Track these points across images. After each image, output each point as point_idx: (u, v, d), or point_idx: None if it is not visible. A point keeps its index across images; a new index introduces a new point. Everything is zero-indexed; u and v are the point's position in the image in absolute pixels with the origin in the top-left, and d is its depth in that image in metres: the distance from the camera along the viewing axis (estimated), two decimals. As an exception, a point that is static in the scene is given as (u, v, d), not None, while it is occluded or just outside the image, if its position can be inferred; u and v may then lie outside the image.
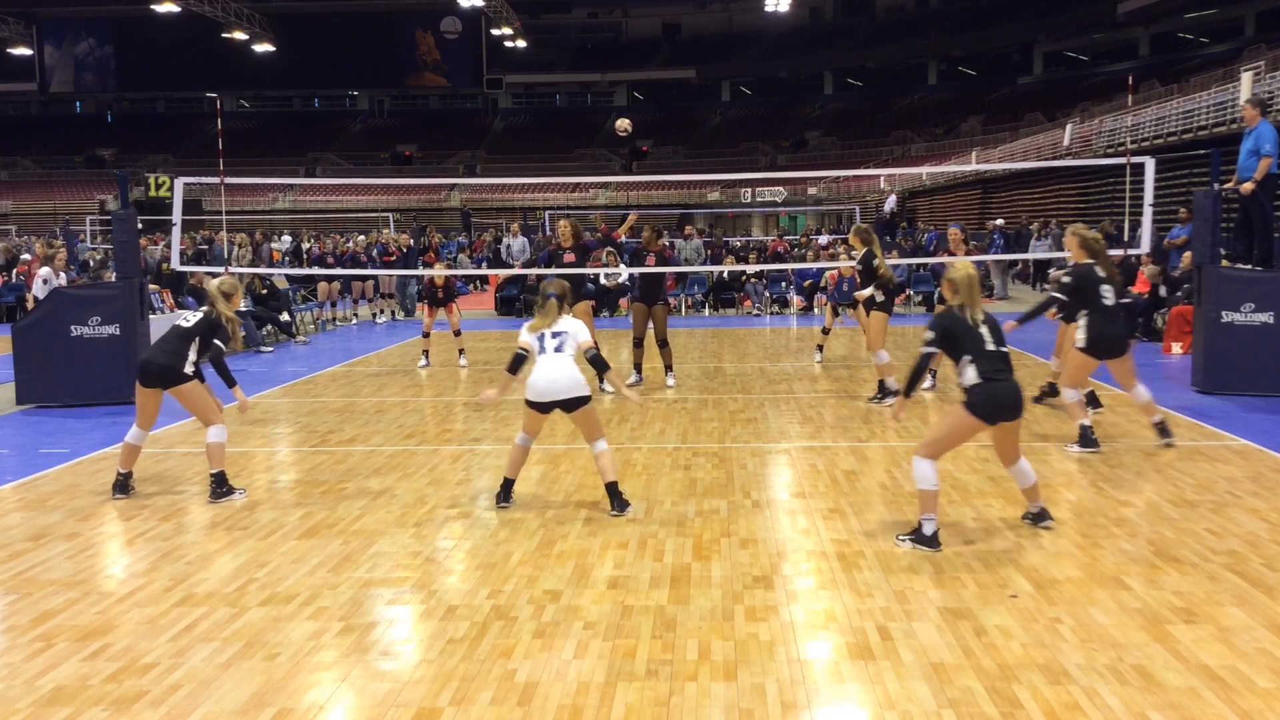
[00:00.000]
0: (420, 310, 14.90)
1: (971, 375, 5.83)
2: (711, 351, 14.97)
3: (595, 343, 6.83)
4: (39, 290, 14.04)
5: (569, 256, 11.44)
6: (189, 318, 7.31)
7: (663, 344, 11.43)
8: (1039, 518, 6.23)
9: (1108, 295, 7.98)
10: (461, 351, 13.69)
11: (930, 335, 5.99)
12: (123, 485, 7.24)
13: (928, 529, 5.83)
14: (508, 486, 6.84)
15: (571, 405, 6.54)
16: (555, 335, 6.59)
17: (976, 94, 59.29)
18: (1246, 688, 4.13)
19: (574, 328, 6.66)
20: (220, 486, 7.12)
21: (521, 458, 6.84)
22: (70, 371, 10.72)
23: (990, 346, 5.87)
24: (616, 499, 6.61)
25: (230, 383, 7.25)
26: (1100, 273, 8.02)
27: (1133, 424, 9.27)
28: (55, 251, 15.89)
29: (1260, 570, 5.45)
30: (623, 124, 11.74)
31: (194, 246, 26.51)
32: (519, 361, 6.64)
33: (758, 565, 5.63)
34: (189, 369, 7.09)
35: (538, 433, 6.84)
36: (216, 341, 7.19)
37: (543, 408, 6.59)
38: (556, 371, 6.49)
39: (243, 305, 15.97)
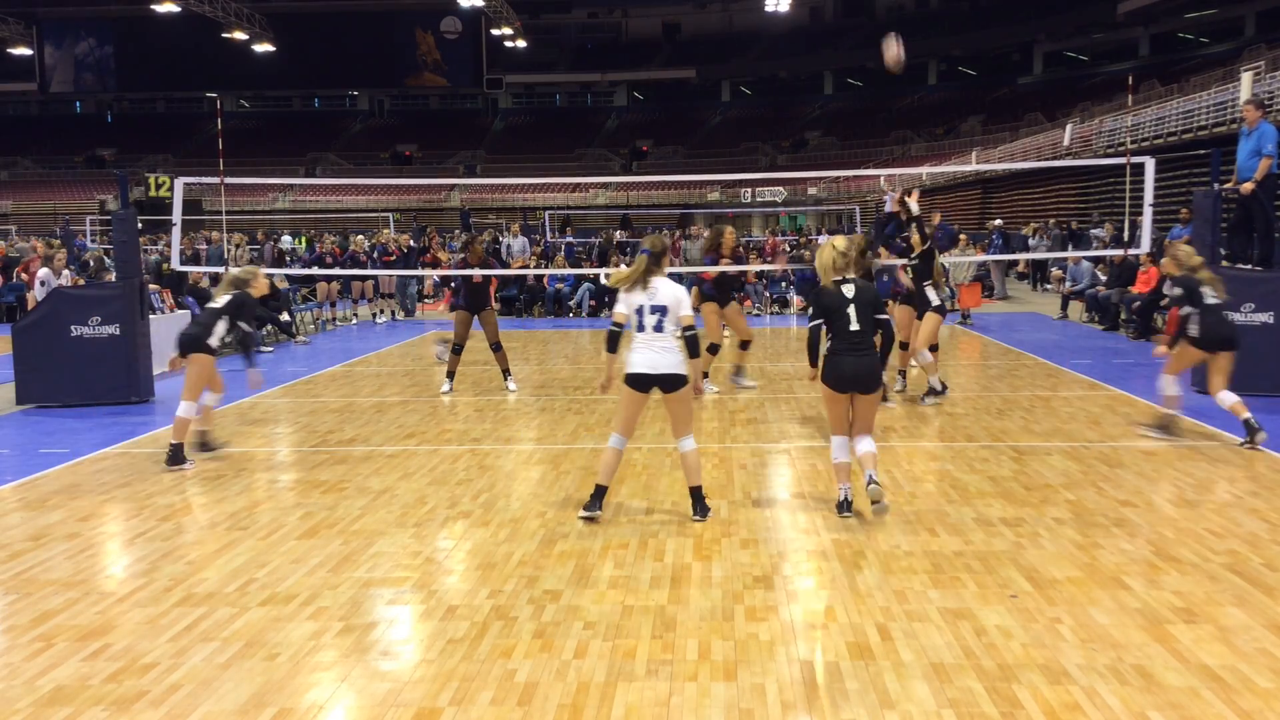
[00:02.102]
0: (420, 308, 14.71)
1: (828, 350, 6.47)
2: (711, 351, 14.94)
3: (694, 323, 6.45)
4: (39, 293, 14.05)
5: (725, 263, 11.50)
6: (221, 298, 8.29)
7: (496, 348, 11.43)
8: (877, 502, 6.42)
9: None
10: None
11: (811, 311, 6.62)
12: (175, 456, 8.03)
13: (839, 495, 6.51)
14: (599, 494, 6.50)
15: (671, 384, 6.31)
16: (655, 310, 6.29)
17: (976, 94, 59.29)
18: (1246, 688, 4.13)
19: (674, 299, 6.33)
20: (175, 456, 7.98)
21: (615, 461, 6.49)
22: (70, 371, 10.72)
23: (853, 326, 6.39)
24: (699, 503, 6.44)
25: (251, 363, 8.51)
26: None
27: (1133, 424, 9.26)
28: (55, 252, 15.90)
29: (1260, 570, 5.45)
30: (893, 53, 10.72)
31: (192, 247, 26.47)
32: (616, 339, 6.40)
33: (758, 565, 5.63)
34: (214, 342, 8.11)
35: (633, 426, 6.50)
36: (242, 325, 8.32)
37: (643, 383, 6.31)
38: (657, 346, 6.28)
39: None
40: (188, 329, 8.28)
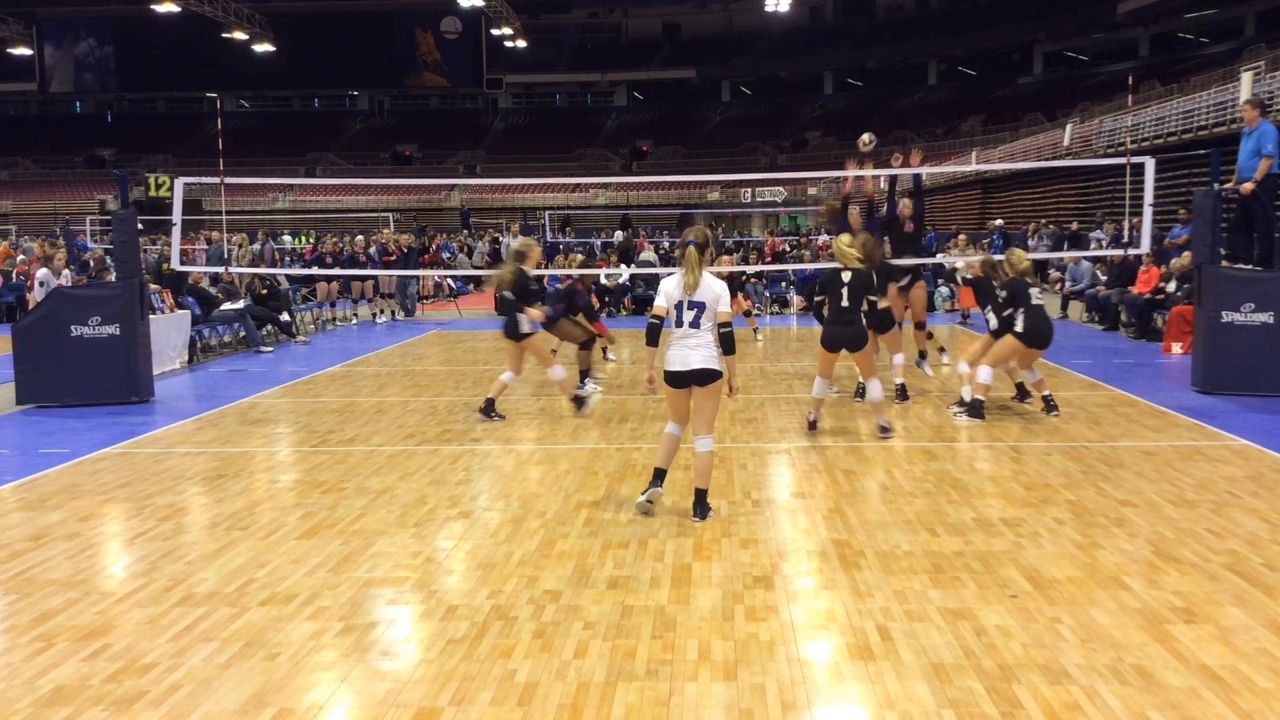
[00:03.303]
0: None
1: (826, 319, 8.67)
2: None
3: (730, 320, 6.42)
4: (38, 293, 14.04)
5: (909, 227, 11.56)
6: (508, 294, 9.50)
7: (585, 345, 11.37)
8: (885, 430, 8.70)
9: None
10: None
11: (818, 288, 8.86)
12: (489, 409, 9.79)
13: (810, 417, 8.90)
14: (659, 476, 6.56)
15: (704, 378, 6.35)
16: (692, 306, 6.35)
17: (976, 94, 59.27)
18: (1246, 688, 4.13)
19: (713, 295, 6.36)
20: (579, 401, 9.96)
21: (673, 446, 6.57)
22: (70, 371, 10.72)
23: (844, 303, 8.47)
24: (701, 505, 6.45)
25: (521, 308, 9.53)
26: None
27: (1133, 424, 9.27)
28: (55, 252, 15.89)
29: (1260, 570, 5.45)
30: (866, 140, 11.92)
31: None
32: (656, 332, 6.46)
33: (758, 565, 5.63)
34: (525, 328, 9.54)
35: (685, 416, 6.55)
36: (508, 294, 9.42)
37: (680, 380, 6.37)
38: (691, 343, 6.33)
39: (241, 304, 16.19)
40: (506, 323, 9.69)
